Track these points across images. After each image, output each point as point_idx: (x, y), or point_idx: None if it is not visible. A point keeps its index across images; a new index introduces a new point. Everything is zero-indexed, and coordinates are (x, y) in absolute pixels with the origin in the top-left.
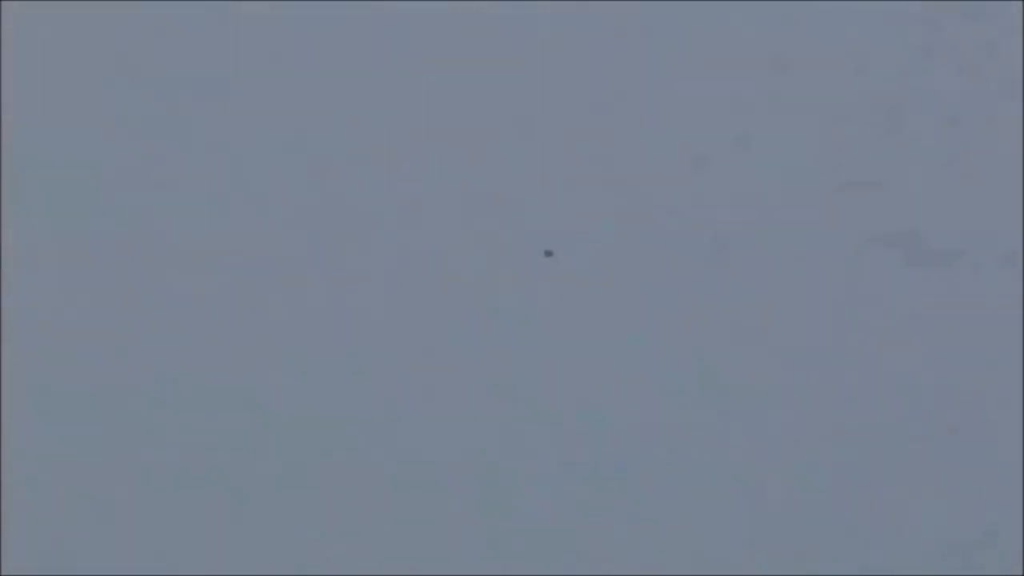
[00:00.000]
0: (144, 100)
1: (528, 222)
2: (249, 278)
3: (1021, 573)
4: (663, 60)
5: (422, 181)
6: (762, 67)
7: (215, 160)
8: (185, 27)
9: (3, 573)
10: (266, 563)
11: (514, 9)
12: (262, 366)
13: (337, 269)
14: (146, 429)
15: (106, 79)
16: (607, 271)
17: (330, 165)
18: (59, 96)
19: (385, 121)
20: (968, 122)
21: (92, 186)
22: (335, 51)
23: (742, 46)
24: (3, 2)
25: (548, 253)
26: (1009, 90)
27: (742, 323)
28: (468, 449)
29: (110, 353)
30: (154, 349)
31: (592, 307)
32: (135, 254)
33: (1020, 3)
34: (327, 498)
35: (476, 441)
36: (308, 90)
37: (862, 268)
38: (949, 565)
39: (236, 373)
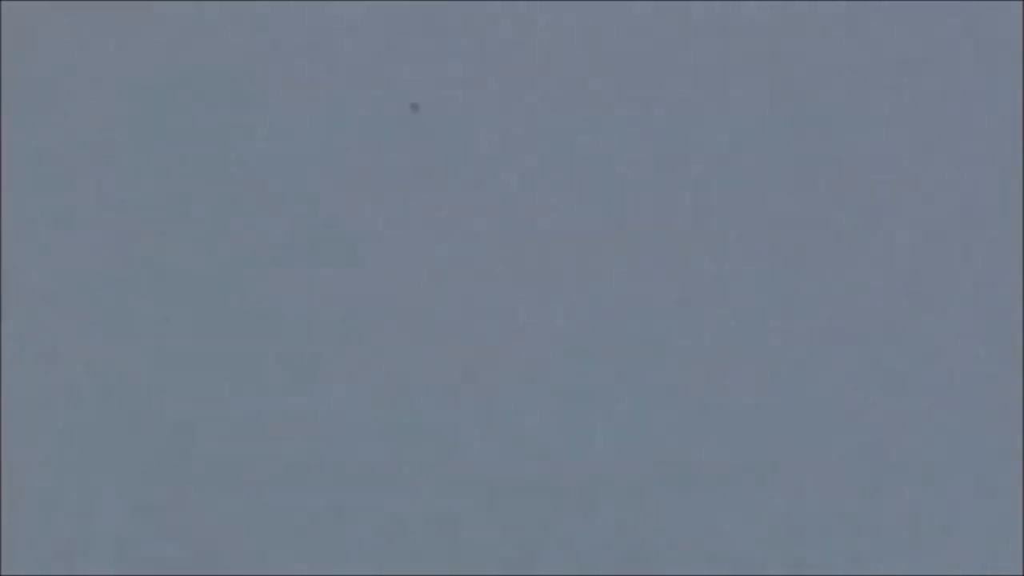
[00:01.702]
0: (144, 100)
1: (527, 220)
2: (248, 277)
3: (1021, 573)
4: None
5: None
6: (760, 66)
7: (215, 160)
8: (185, 27)
9: (3, 573)
10: (267, 563)
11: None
12: (261, 365)
13: (335, 270)
14: (146, 429)
15: (106, 79)
16: (605, 271)
17: (329, 167)
18: (58, 96)
19: (384, 127)
20: (967, 121)
21: (92, 186)
22: (334, 53)
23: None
24: (3, 2)
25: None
26: (1009, 90)
27: (741, 323)
28: (465, 449)
29: (110, 353)
30: (154, 349)
31: (591, 305)
32: (135, 254)
33: (1020, 3)
34: (317, 498)
35: (472, 441)
36: (310, 94)
37: (858, 267)
38: (949, 565)
39: (235, 373)
